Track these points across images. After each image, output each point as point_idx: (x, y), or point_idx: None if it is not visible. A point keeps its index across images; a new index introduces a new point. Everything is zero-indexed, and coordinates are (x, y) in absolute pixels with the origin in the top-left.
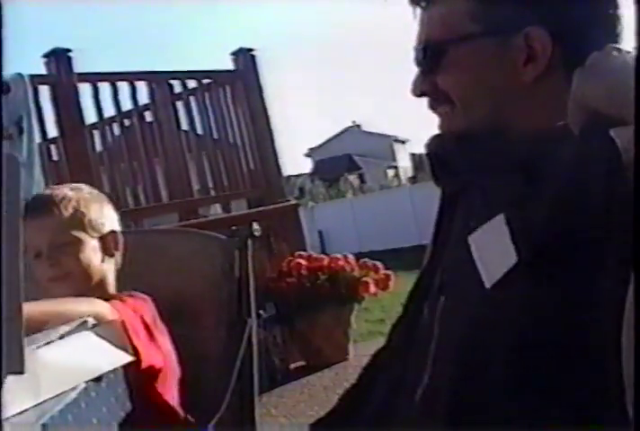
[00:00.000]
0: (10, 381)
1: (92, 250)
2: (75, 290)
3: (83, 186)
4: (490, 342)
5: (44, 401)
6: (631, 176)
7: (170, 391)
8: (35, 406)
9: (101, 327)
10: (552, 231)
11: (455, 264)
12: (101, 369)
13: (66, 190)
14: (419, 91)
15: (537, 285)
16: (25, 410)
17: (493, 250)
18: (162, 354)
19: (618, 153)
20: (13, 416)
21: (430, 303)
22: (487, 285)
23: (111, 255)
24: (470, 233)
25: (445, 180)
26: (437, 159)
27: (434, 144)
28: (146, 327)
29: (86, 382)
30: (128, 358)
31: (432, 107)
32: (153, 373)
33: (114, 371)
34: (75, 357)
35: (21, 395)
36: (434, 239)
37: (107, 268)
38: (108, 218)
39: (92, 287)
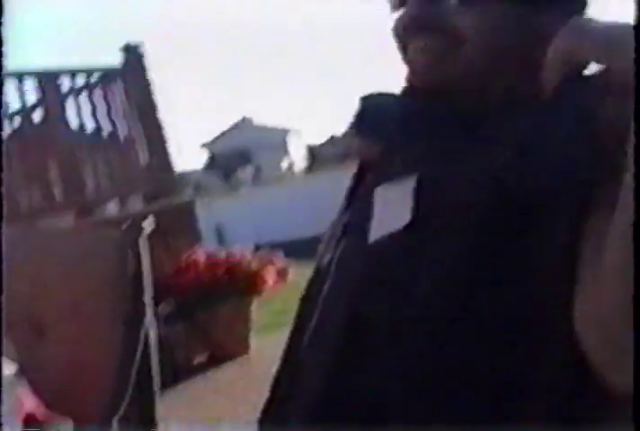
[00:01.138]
0: None
1: None
2: None
3: None
4: (373, 296)
5: None
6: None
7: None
8: None
9: None
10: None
11: (361, 209)
12: None
13: None
14: (416, 11)
15: (419, 250)
16: None
17: (391, 206)
18: None
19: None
20: None
21: (333, 248)
22: (370, 239)
23: None
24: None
25: (373, 139)
26: (371, 115)
27: (372, 99)
28: None
29: None
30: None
31: (413, 35)
32: None
33: None
34: None
35: None
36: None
37: None
38: None
39: None
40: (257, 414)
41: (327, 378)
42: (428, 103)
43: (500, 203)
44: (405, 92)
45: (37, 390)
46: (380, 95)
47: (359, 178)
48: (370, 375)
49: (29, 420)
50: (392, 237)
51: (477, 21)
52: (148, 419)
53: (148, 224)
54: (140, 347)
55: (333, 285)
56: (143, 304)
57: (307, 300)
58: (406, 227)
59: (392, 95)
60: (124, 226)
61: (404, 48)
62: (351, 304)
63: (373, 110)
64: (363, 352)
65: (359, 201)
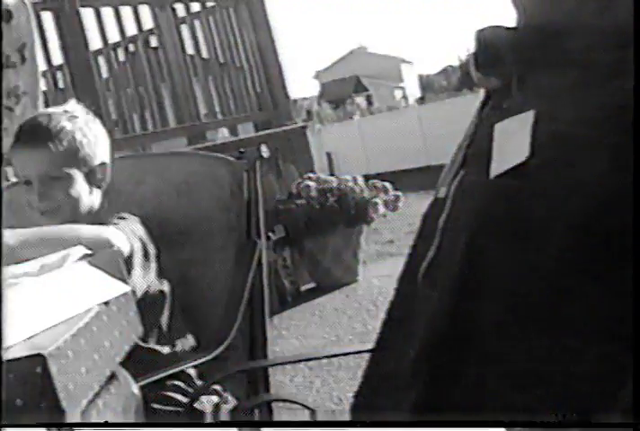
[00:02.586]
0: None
1: (81, 184)
2: (65, 222)
3: (78, 110)
4: (494, 235)
5: (54, 326)
6: None
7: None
8: (44, 331)
9: (97, 255)
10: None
11: (480, 142)
12: (95, 301)
13: (63, 120)
14: None
15: (536, 186)
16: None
17: (510, 142)
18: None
19: None
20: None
21: (450, 180)
22: (490, 175)
23: (99, 186)
24: (501, 116)
25: (491, 70)
26: (487, 47)
27: (488, 32)
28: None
29: (99, 305)
30: (125, 288)
31: None
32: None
33: (125, 295)
34: (72, 286)
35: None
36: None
37: (95, 199)
38: (100, 149)
39: (81, 218)
40: (361, 343)
41: (447, 311)
42: (545, 38)
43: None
44: (522, 26)
45: None
46: (497, 28)
47: (481, 109)
48: (489, 307)
49: None
50: (511, 174)
51: None
52: (258, 347)
53: (265, 150)
54: (252, 273)
55: (452, 218)
56: (256, 229)
57: (424, 232)
58: (521, 167)
59: (509, 28)
60: (240, 151)
61: None
62: (471, 240)
63: (490, 44)
64: (482, 288)
65: (478, 133)
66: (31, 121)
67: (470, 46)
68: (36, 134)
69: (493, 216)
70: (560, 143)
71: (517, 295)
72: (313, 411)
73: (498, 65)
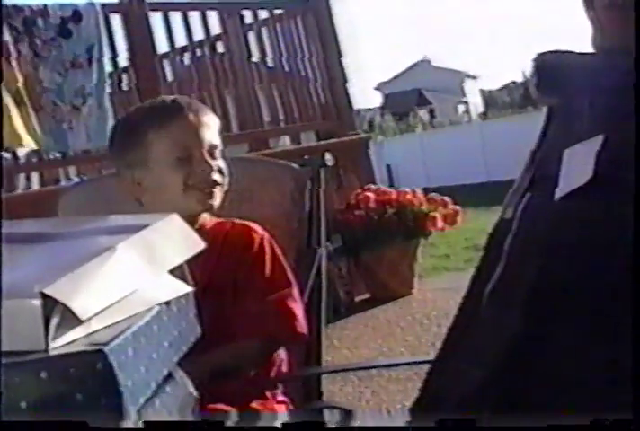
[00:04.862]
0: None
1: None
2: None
3: None
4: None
5: (117, 322)
6: None
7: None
8: (107, 327)
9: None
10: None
11: (548, 165)
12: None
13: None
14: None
15: (600, 208)
16: (95, 332)
17: (577, 165)
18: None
19: None
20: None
21: (517, 201)
22: (556, 196)
23: None
24: (568, 142)
25: (553, 91)
26: (551, 69)
27: (552, 56)
28: None
29: (159, 305)
30: (186, 289)
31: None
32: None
33: (186, 295)
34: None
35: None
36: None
37: None
38: None
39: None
40: (412, 355)
41: (520, 334)
42: (613, 62)
43: None
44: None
45: None
46: (557, 52)
47: (545, 128)
48: (563, 330)
49: None
50: (577, 195)
51: None
52: (313, 354)
53: (329, 158)
54: (311, 280)
55: (520, 240)
56: (317, 237)
57: (490, 251)
58: (588, 185)
59: (570, 53)
60: (304, 158)
61: (590, 2)
62: (540, 262)
63: (552, 67)
64: (550, 311)
65: (544, 155)
66: (168, 100)
67: (531, 66)
68: (191, 103)
69: (560, 239)
70: (626, 164)
71: (591, 317)
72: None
73: (558, 88)
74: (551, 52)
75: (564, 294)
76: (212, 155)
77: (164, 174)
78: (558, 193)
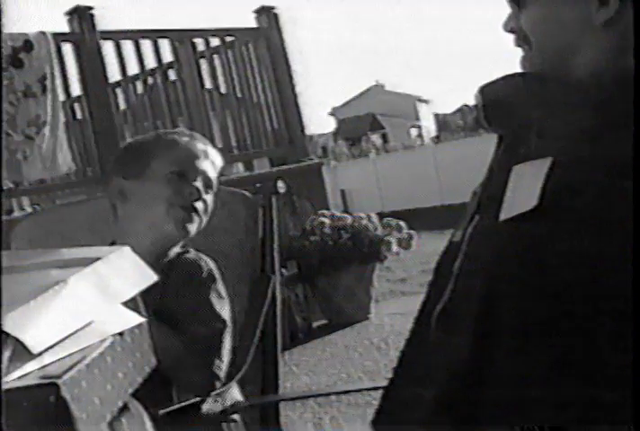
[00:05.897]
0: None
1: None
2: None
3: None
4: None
5: (70, 354)
6: None
7: None
8: (60, 359)
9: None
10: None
11: (494, 187)
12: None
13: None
14: (508, 27)
15: (543, 229)
16: (47, 365)
17: (523, 187)
18: None
19: None
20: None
21: (466, 224)
22: (500, 217)
23: None
24: (516, 161)
25: (501, 121)
26: (494, 101)
27: (492, 88)
28: None
29: (113, 336)
30: (139, 319)
31: (517, 45)
32: None
33: (139, 326)
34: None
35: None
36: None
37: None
38: None
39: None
40: (371, 380)
41: (466, 357)
42: (553, 87)
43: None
44: (528, 76)
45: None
46: (502, 80)
47: (496, 153)
48: (507, 353)
49: None
50: (519, 220)
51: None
52: (270, 381)
53: (281, 185)
54: (265, 307)
55: (467, 263)
56: (271, 264)
57: (439, 274)
58: (533, 211)
59: (511, 76)
60: (256, 186)
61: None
62: (486, 284)
63: (493, 100)
64: (498, 333)
65: (493, 178)
66: (189, 132)
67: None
68: (203, 141)
69: (505, 260)
70: (573, 189)
71: (539, 338)
72: None
73: (504, 118)
74: (490, 83)
75: (510, 316)
76: (205, 186)
77: (154, 187)
78: (503, 215)
